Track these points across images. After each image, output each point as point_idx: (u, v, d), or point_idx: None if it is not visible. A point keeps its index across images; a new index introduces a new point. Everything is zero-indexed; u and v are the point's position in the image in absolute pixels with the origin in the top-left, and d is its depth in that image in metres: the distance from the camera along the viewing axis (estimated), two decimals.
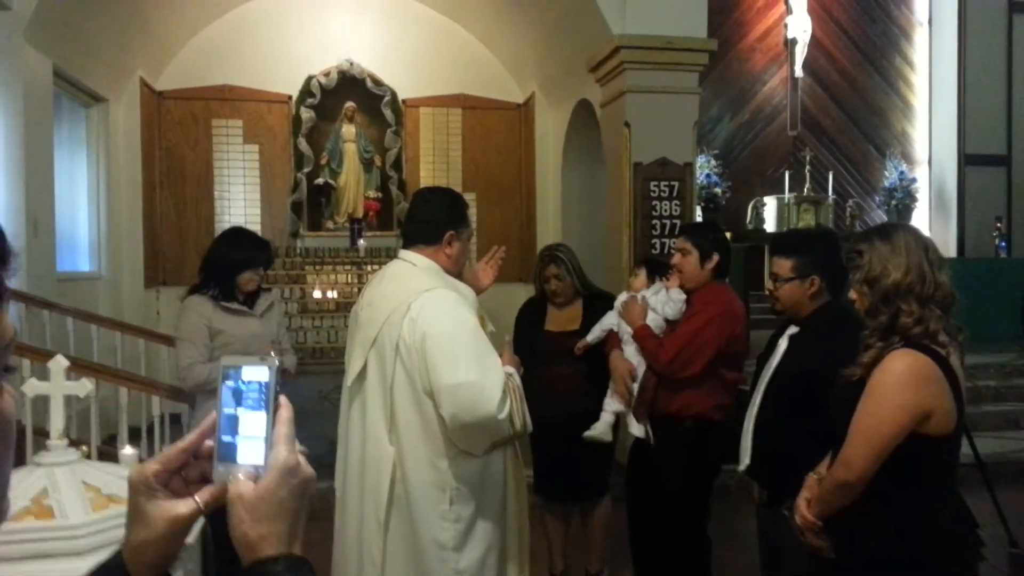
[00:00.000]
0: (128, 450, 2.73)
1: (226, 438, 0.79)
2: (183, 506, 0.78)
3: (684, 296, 3.20)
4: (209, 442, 0.81)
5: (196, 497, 0.79)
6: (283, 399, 0.82)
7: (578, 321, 3.57)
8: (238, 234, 3.51)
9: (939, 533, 1.96)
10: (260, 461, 0.78)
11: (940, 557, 1.95)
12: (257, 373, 0.80)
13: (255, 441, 0.79)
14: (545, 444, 3.55)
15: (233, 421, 0.79)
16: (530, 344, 3.59)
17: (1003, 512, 2.64)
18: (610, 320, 3.40)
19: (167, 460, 0.80)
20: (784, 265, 2.61)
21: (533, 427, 3.70)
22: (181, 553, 0.81)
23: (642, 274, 3.38)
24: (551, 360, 3.52)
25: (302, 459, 0.80)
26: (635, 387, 3.21)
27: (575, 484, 3.61)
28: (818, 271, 2.56)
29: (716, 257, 3.15)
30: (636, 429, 3.20)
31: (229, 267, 3.30)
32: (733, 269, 6.74)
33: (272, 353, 0.84)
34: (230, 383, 0.80)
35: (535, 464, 3.69)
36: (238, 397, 0.80)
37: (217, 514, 0.80)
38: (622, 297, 3.38)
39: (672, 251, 3.35)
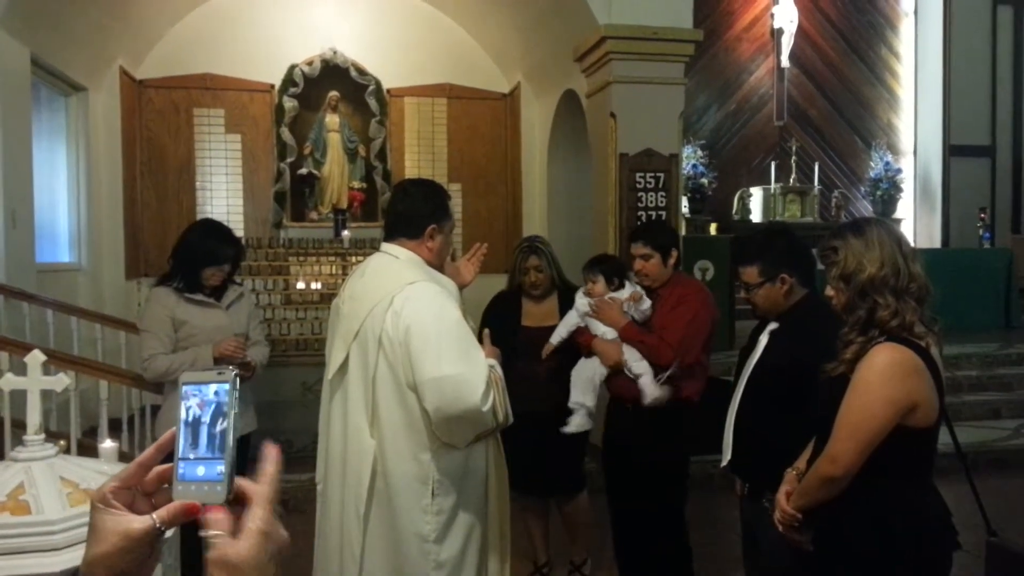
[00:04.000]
0: (108, 443, 2.69)
1: (185, 455, 0.77)
2: (137, 521, 0.76)
3: (649, 302, 3.26)
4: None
5: (154, 514, 0.76)
6: (272, 451, 0.78)
7: (555, 316, 3.55)
8: (208, 227, 3.47)
9: (917, 524, 1.97)
10: (219, 479, 0.76)
11: (918, 548, 1.97)
12: (214, 388, 0.78)
13: (214, 460, 0.76)
14: (521, 440, 3.55)
15: (193, 437, 0.77)
16: (508, 340, 3.56)
17: (982, 501, 2.66)
18: (572, 320, 3.39)
19: (125, 477, 0.78)
20: (751, 273, 2.62)
21: (516, 425, 3.69)
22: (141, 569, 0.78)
23: (601, 279, 3.34)
24: (531, 356, 3.48)
25: (278, 522, 0.77)
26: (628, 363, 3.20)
27: (549, 479, 3.60)
28: (784, 268, 2.57)
29: (675, 252, 3.30)
30: (654, 391, 3.16)
31: (195, 259, 3.27)
32: (719, 260, 6.83)
33: (230, 367, 0.80)
34: (190, 399, 0.78)
35: (518, 464, 3.68)
36: (198, 413, 0.78)
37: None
38: (584, 300, 3.36)
39: (632, 257, 3.34)
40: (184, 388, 0.78)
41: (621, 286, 3.34)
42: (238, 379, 0.79)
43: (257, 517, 0.75)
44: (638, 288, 3.30)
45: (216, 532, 0.74)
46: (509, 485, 3.64)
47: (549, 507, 3.77)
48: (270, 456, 0.78)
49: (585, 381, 3.33)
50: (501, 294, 3.78)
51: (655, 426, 3.18)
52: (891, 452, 1.92)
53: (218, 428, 0.77)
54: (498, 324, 3.61)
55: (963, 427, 5.47)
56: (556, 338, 3.42)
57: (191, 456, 0.77)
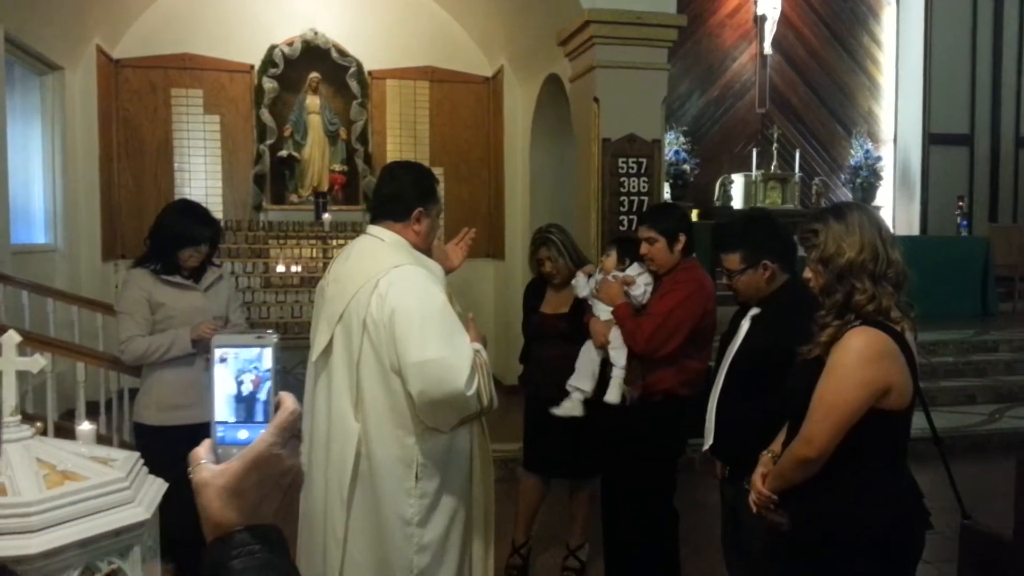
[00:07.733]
0: (85, 426, 2.66)
1: (223, 419, 0.78)
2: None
3: (649, 280, 3.22)
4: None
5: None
6: (289, 398, 0.80)
7: (568, 304, 3.60)
8: (184, 207, 3.43)
9: (890, 506, 2.00)
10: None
11: (891, 529, 1.99)
12: (255, 353, 0.78)
13: (260, 424, 0.77)
14: (539, 421, 3.59)
15: (231, 402, 0.78)
16: (528, 326, 3.72)
17: (956, 485, 2.71)
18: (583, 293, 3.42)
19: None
20: (732, 259, 2.62)
21: (529, 404, 3.78)
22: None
23: (613, 254, 3.36)
24: (543, 341, 3.61)
25: (284, 452, 0.78)
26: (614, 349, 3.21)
27: (569, 461, 3.62)
28: (766, 255, 2.58)
29: (683, 238, 3.15)
30: (611, 394, 3.18)
31: (172, 240, 3.23)
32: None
33: (271, 331, 0.81)
34: (225, 363, 0.78)
35: (527, 440, 3.74)
36: (235, 378, 0.78)
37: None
38: (581, 278, 3.39)
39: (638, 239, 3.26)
40: (222, 351, 0.78)
41: (629, 266, 3.33)
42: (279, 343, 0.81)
43: (254, 444, 0.76)
44: (640, 273, 3.25)
45: (198, 461, 0.77)
46: (523, 465, 3.70)
47: (549, 488, 3.81)
48: (287, 396, 0.80)
49: (587, 363, 3.33)
50: (533, 282, 3.87)
51: (642, 418, 3.16)
52: (864, 434, 1.94)
53: (263, 394, 0.78)
54: (527, 311, 3.81)
55: (939, 412, 5.55)
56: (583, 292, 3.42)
57: (231, 420, 0.78)
